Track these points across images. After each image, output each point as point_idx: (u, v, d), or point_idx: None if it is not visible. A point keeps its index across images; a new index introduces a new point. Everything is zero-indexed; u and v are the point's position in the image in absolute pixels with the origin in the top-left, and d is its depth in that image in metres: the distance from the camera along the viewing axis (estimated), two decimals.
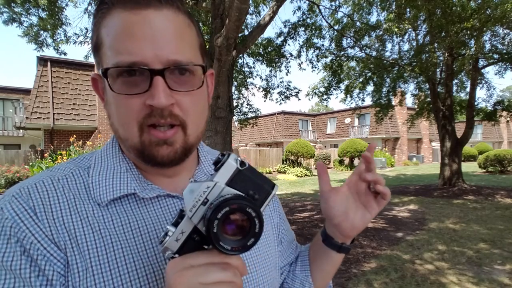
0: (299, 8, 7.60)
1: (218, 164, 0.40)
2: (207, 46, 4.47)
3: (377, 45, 9.56)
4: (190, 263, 0.37)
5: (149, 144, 0.48)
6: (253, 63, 8.99)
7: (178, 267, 0.37)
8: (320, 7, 7.64)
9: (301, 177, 16.99)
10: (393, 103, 12.04)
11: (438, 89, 10.43)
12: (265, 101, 9.72)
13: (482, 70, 10.29)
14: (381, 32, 8.49)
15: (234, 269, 0.38)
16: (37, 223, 0.44)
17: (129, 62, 0.44)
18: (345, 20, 8.43)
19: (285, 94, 9.33)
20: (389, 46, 13.16)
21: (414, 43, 9.45)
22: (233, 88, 8.63)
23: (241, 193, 0.38)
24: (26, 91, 20.01)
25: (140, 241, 0.48)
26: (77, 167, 0.53)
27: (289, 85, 9.29)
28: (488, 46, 8.99)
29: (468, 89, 10.89)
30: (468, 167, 19.20)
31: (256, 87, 9.68)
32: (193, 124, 0.50)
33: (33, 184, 0.47)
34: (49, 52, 7.00)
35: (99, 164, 0.53)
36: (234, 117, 10.04)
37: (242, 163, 0.40)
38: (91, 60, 7.41)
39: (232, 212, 0.35)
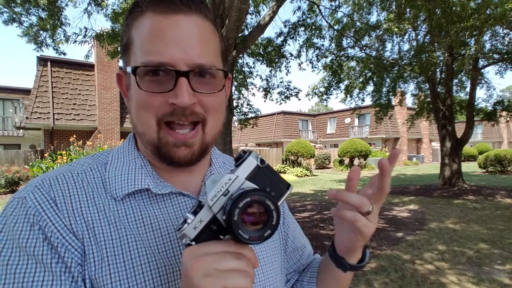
0: (299, 8, 7.60)
1: (239, 160, 0.43)
2: None
3: (377, 45, 9.56)
4: (206, 250, 0.38)
5: (166, 144, 0.50)
6: (253, 63, 9.00)
7: (194, 254, 0.38)
8: (320, 7, 7.64)
9: (301, 177, 16.99)
10: (393, 103, 12.05)
11: (438, 89, 10.43)
12: (265, 101, 9.73)
13: (482, 70, 10.29)
14: (381, 32, 8.49)
15: (247, 260, 0.40)
16: (57, 213, 0.46)
17: (157, 62, 0.47)
18: (345, 20, 8.44)
19: (285, 94, 9.34)
20: (389, 46, 13.16)
21: (414, 43, 9.45)
22: (233, 88, 8.64)
23: (259, 188, 0.41)
24: (26, 91, 20.02)
25: (151, 235, 0.51)
26: (95, 162, 0.56)
27: (289, 85, 9.30)
28: (488, 46, 8.99)
29: (468, 89, 10.89)
30: (468, 167, 19.20)
31: (256, 87, 9.69)
32: (211, 123, 0.53)
33: (54, 176, 0.50)
34: (49, 52, 6.99)
35: (115, 160, 0.56)
36: (234, 117, 10.05)
37: (262, 161, 0.43)
38: (91, 60, 7.41)
39: (252, 203, 0.38)
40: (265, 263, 0.60)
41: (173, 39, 0.48)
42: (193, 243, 0.39)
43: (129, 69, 0.50)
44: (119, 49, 6.60)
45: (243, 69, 8.88)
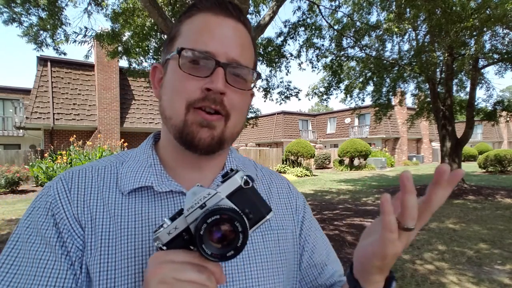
0: (299, 8, 7.59)
1: (226, 177, 0.44)
2: None
3: (377, 45, 9.55)
4: (171, 258, 0.39)
5: (191, 123, 0.53)
6: None
7: (159, 259, 0.39)
8: (320, 7, 7.64)
9: (301, 177, 16.99)
10: (393, 103, 12.04)
11: (438, 89, 10.42)
12: (265, 101, 9.72)
13: (482, 70, 10.28)
14: (381, 32, 8.48)
15: (210, 274, 0.40)
16: (69, 203, 0.53)
17: (203, 50, 0.52)
18: (345, 20, 8.43)
19: (285, 94, 9.31)
20: (389, 46, 13.17)
21: (414, 43, 9.44)
22: None
23: (236, 208, 0.41)
24: (26, 91, 20.02)
25: (146, 230, 0.53)
26: (116, 160, 0.62)
27: (289, 85, 9.28)
28: (488, 46, 8.98)
29: (468, 89, 10.88)
30: (468, 167, 19.21)
31: (256, 87, 9.68)
32: (234, 119, 0.56)
33: (78, 170, 0.58)
34: (49, 52, 6.99)
35: (132, 159, 0.61)
36: None
37: (246, 182, 0.44)
38: (91, 60, 7.41)
39: (221, 221, 0.38)
40: (263, 276, 0.57)
41: (220, 35, 0.53)
42: (165, 248, 0.40)
43: (169, 56, 0.56)
44: (119, 49, 6.62)
45: None
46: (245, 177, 0.44)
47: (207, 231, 0.38)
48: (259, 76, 0.59)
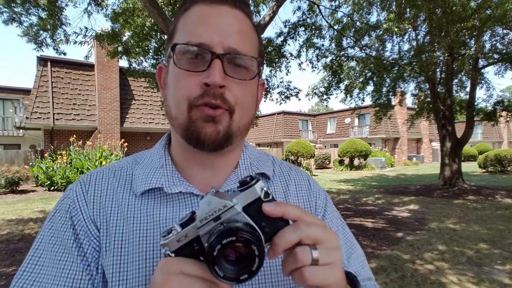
0: (299, 8, 7.60)
1: (244, 185, 0.41)
2: None
3: (377, 45, 9.55)
4: (182, 269, 0.37)
5: (196, 119, 0.51)
6: None
7: (169, 269, 0.37)
8: (320, 7, 7.64)
9: None
10: (393, 103, 12.04)
11: (438, 89, 10.42)
12: (265, 101, 9.73)
13: (482, 70, 10.29)
14: (381, 32, 8.48)
15: None
16: (86, 205, 0.54)
17: (197, 42, 0.50)
18: (345, 20, 8.43)
19: (285, 94, 9.31)
20: (389, 46, 13.19)
21: (414, 43, 9.44)
22: None
23: (253, 224, 0.38)
24: (26, 91, 20.02)
25: (158, 232, 0.53)
26: (133, 160, 0.63)
27: (289, 85, 9.27)
28: (488, 46, 8.99)
29: (468, 89, 10.89)
30: (468, 167, 19.20)
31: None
32: (239, 113, 0.53)
33: (96, 172, 0.59)
34: (49, 52, 6.98)
35: (145, 160, 0.61)
36: None
37: (266, 194, 0.40)
38: (91, 60, 7.41)
39: (236, 242, 0.35)
40: (278, 283, 0.54)
41: (215, 25, 0.51)
42: (173, 255, 0.38)
43: (167, 54, 0.55)
44: (119, 49, 6.62)
45: None
46: (265, 188, 0.40)
47: (222, 251, 0.35)
48: (262, 62, 0.55)
